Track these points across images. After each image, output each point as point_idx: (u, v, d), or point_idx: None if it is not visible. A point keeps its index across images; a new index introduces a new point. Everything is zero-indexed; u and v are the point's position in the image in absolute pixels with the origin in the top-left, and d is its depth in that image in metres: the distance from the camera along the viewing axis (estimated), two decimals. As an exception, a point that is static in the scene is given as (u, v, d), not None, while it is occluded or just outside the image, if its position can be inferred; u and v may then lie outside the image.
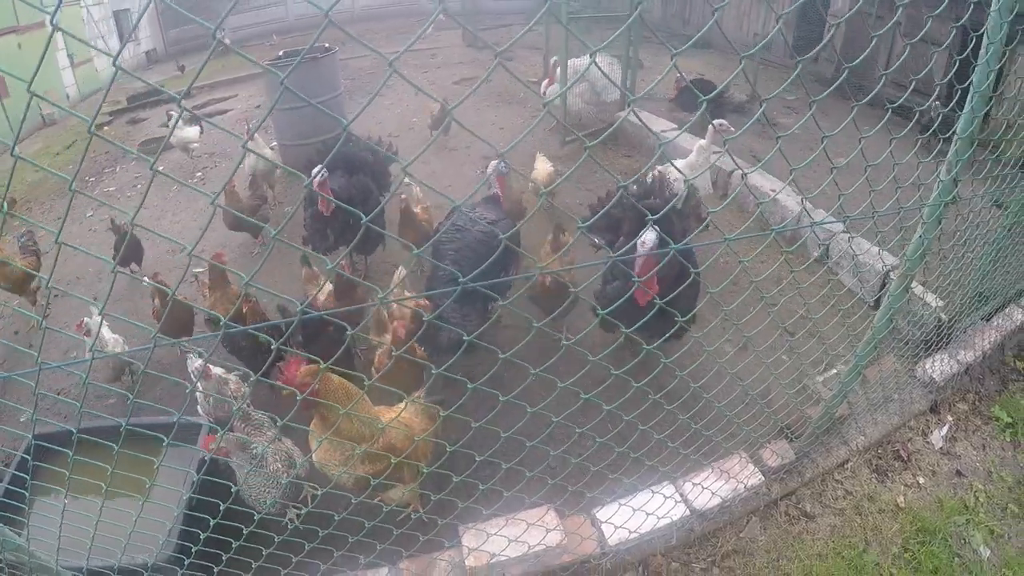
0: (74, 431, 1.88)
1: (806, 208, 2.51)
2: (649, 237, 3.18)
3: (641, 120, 1.56)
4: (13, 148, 1.21)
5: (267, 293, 4.98)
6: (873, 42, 1.85)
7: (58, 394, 4.48)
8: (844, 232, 4.21)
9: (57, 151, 9.61)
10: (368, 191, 5.07)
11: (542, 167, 6.18)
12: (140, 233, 5.61)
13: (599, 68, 1.34)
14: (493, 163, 4.93)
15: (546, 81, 8.56)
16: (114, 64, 1.12)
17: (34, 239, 5.50)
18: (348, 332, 1.55)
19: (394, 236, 4.58)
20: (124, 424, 1.81)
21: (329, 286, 4.21)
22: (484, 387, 1.94)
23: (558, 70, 7.75)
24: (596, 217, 1.98)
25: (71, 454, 1.88)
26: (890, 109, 2.12)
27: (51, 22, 1.03)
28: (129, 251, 5.27)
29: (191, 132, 7.99)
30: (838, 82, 1.77)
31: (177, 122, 5.56)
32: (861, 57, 1.87)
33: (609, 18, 7.94)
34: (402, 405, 2.61)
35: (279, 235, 1.26)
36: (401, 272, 4.69)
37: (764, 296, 2.27)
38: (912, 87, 2.20)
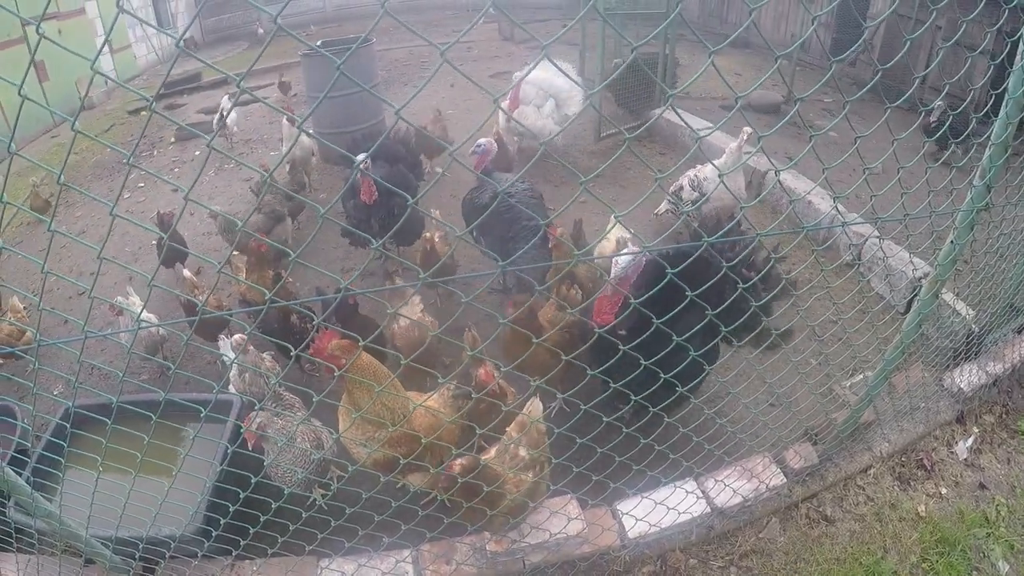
0: (114, 400, 1.94)
1: (837, 208, 2.50)
2: (624, 260, 3.06)
3: (681, 118, 1.57)
4: (74, 124, 1.28)
5: (303, 276, 5.13)
6: (907, 45, 1.83)
7: (91, 371, 4.62)
8: (875, 236, 4.17)
9: (95, 134, 9.79)
10: (408, 181, 5.16)
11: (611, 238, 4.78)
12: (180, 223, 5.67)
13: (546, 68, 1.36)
14: (481, 140, 4.87)
15: (506, 103, 7.04)
16: (177, 45, 1.18)
17: None
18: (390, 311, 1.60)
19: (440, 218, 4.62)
20: (163, 396, 1.88)
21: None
22: (516, 371, 1.97)
23: (523, 89, 7.00)
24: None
25: (110, 422, 1.93)
26: (923, 113, 2.12)
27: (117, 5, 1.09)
28: (172, 252, 5.09)
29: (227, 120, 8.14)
30: (871, 83, 1.77)
31: (230, 110, 5.62)
32: (895, 60, 1.87)
33: (645, 15, 7.83)
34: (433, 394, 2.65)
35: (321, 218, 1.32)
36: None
37: (794, 293, 2.28)
38: (945, 91, 2.19)
